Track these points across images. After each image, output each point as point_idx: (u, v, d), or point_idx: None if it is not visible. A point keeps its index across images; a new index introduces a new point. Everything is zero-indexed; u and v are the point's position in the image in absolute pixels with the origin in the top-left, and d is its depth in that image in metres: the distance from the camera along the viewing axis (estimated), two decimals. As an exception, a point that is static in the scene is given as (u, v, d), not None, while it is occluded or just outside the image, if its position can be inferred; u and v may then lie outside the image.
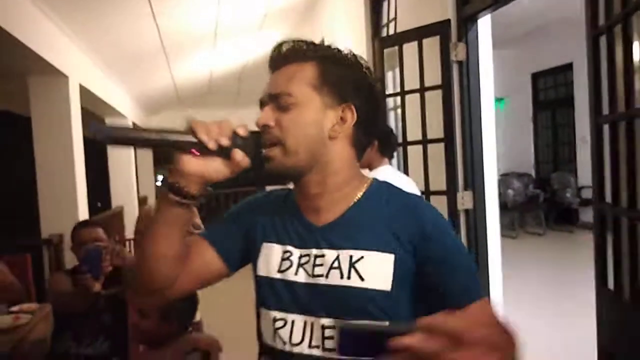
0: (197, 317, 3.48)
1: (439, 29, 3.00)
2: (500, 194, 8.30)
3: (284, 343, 0.94)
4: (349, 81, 0.94)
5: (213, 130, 0.86)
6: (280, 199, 1.03)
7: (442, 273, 0.91)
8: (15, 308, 2.87)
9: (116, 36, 4.87)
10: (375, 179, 1.01)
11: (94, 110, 6.34)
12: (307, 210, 0.97)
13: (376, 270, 0.90)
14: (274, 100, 0.92)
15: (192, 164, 0.86)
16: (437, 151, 3.05)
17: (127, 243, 5.77)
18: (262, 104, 0.95)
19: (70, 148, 4.25)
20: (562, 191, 8.28)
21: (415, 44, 3.10)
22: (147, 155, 10.33)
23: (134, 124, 7.81)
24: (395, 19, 3.93)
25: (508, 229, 8.22)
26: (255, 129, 0.93)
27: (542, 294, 4.97)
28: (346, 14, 4.92)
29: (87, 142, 4.75)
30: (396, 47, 3.24)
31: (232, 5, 4.95)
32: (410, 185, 2.55)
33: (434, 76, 3.05)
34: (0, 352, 2.39)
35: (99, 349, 2.44)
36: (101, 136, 0.80)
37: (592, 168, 1.92)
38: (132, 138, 0.83)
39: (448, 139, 2.99)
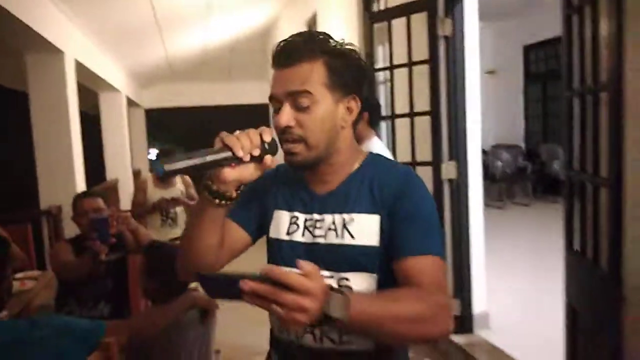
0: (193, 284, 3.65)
1: (427, 4, 3.10)
2: (489, 166, 8.50)
3: None
4: (352, 74, 1.05)
5: (246, 144, 0.96)
6: (290, 171, 1.15)
7: (402, 225, 1.03)
8: (19, 275, 3.03)
9: (110, 13, 4.90)
10: (370, 153, 1.15)
11: (90, 85, 6.40)
12: (313, 181, 1.12)
13: (364, 229, 1.04)
14: (292, 98, 1.01)
15: (231, 174, 0.98)
16: (423, 123, 3.19)
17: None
18: (274, 99, 1.04)
19: (67, 122, 4.35)
20: (550, 163, 8.45)
21: (404, 19, 3.20)
22: (140, 130, 10.39)
23: (128, 98, 7.85)
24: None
25: (495, 199, 8.42)
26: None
27: (523, 258, 5.21)
28: (338, -12, 4.97)
29: (83, 117, 4.83)
30: (385, 22, 3.34)
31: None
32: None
33: (422, 51, 3.16)
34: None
35: (101, 311, 2.60)
36: (161, 173, 0.91)
37: (562, 138, 2.06)
38: (184, 169, 0.93)
39: (434, 112, 3.12)
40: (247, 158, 0.97)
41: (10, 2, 3.14)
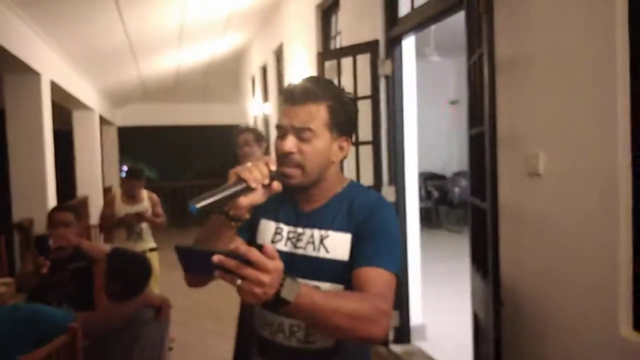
0: (156, 291, 3.96)
1: (370, 47, 3.52)
2: (448, 192, 8.95)
3: None
4: (348, 118, 1.24)
5: (257, 176, 1.11)
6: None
7: (365, 241, 1.18)
8: None
9: (86, 37, 5.22)
10: (351, 180, 1.33)
11: (64, 104, 6.65)
12: (301, 199, 1.28)
13: (337, 245, 1.21)
14: (297, 131, 1.18)
15: (245, 201, 1.13)
16: (366, 151, 3.58)
17: (92, 229, 6.12)
18: (281, 129, 1.21)
19: (41, 140, 4.59)
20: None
21: (351, 58, 3.61)
22: (112, 147, 10.58)
23: (101, 116, 8.09)
24: (340, 33, 4.44)
25: (453, 224, 8.86)
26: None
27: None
28: (301, 24, 5.40)
29: (56, 133, 5.09)
30: (335, 60, 3.74)
31: (197, 9, 5.35)
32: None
33: (366, 87, 3.57)
34: None
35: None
36: (194, 212, 1.05)
37: (469, 171, 2.47)
38: (211, 204, 1.08)
39: (375, 141, 3.51)
40: (260, 188, 1.13)
41: None
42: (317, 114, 1.18)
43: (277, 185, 1.15)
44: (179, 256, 0.93)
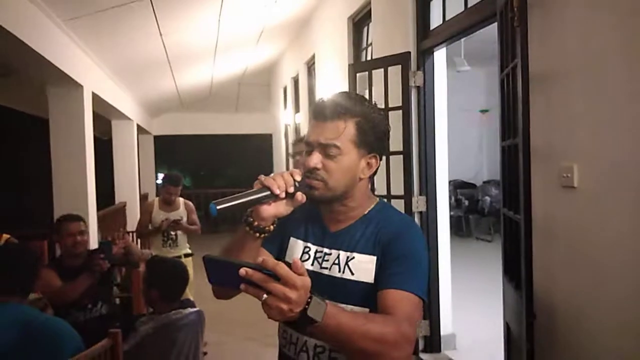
0: (190, 296, 4.07)
1: (401, 59, 3.55)
2: (478, 200, 8.84)
3: None
4: (377, 136, 1.21)
5: (281, 184, 1.12)
6: (311, 207, 1.27)
7: (391, 263, 1.16)
8: None
9: (126, 50, 5.42)
10: (380, 201, 1.31)
11: (104, 114, 6.89)
12: (328, 219, 1.27)
13: (362, 267, 1.19)
14: (323, 147, 1.17)
15: (269, 210, 1.14)
16: (397, 162, 3.60)
17: (129, 234, 6.31)
18: (309, 144, 1.20)
19: (83, 148, 4.78)
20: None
21: (382, 70, 3.65)
22: (149, 155, 10.88)
23: (138, 125, 8.34)
24: (371, 44, 4.48)
25: (485, 232, 8.76)
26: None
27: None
28: (333, 35, 5.47)
29: (96, 142, 5.29)
30: (367, 72, 3.79)
31: (232, 23, 5.50)
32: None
33: (397, 98, 3.60)
34: None
35: (99, 311, 3.00)
36: (215, 213, 1.08)
37: (501, 182, 2.47)
38: (232, 206, 1.09)
39: (406, 152, 3.53)
40: (283, 195, 1.12)
41: (36, 41, 3.54)
42: (344, 131, 1.17)
43: (301, 197, 1.15)
44: (206, 267, 0.92)
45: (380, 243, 1.19)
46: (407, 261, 1.16)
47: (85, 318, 2.99)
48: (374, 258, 1.19)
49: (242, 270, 0.86)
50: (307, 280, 0.90)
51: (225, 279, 0.92)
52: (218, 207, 1.06)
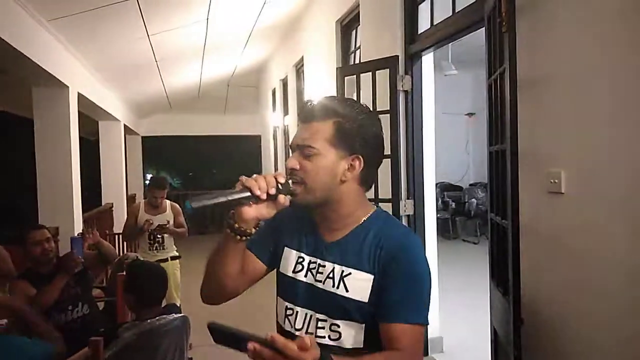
0: (177, 300, 4.02)
1: (389, 62, 3.54)
2: (465, 203, 8.88)
3: (291, 326, 1.23)
4: (359, 137, 1.16)
5: (262, 185, 1.08)
6: (306, 213, 1.26)
7: (391, 286, 1.12)
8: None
9: (112, 51, 5.36)
10: (377, 208, 1.26)
11: (90, 114, 6.82)
12: (323, 227, 1.24)
13: (358, 285, 1.15)
14: (301, 148, 1.17)
15: (250, 212, 1.11)
16: (385, 165, 3.58)
17: (115, 237, 6.25)
18: (291, 147, 1.20)
19: (68, 149, 4.72)
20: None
21: (370, 74, 3.64)
22: (136, 156, 10.79)
23: (125, 126, 8.26)
24: (359, 48, 4.48)
25: (471, 235, 8.81)
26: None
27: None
28: (321, 38, 5.46)
29: (82, 142, 5.22)
30: (355, 76, 3.78)
31: (220, 24, 5.46)
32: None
33: (385, 101, 3.59)
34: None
35: (81, 312, 3.04)
36: (190, 211, 1.04)
37: (488, 187, 2.47)
38: (208, 205, 1.06)
39: (394, 156, 3.53)
40: (264, 196, 1.09)
41: (21, 42, 3.51)
42: (321, 131, 1.16)
43: (283, 199, 1.12)
44: (210, 331, 0.92)
45: (380, 262, 1.15)
46: (409, 285, 1.13)
47: (67, 320, 2.98)
48: (371, 277, 1.15)
49: (251, 345, 0.86)
50: (316, 353, 0.89)
51: (231, 344, 0.92)
52: (193, 205, 1.04)
